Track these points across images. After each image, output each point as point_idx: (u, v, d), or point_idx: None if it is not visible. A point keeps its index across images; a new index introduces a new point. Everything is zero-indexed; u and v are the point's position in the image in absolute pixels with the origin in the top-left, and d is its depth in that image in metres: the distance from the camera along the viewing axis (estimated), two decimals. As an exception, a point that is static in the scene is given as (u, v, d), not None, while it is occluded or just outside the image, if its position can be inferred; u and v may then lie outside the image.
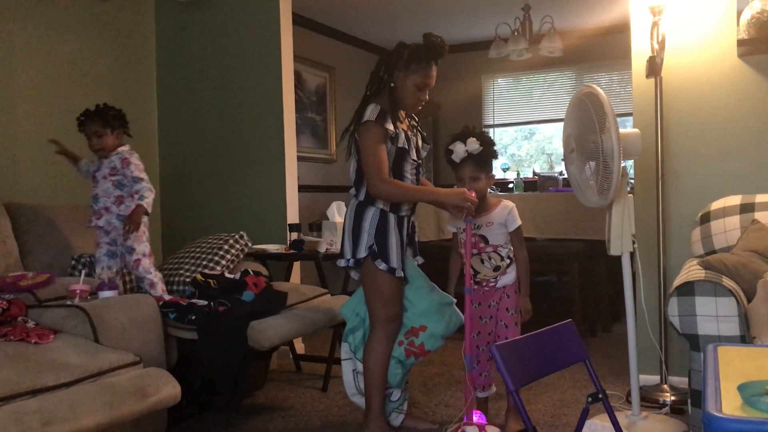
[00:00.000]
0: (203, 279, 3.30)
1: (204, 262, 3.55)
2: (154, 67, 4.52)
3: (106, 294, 2.88)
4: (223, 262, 3.60)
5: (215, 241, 3.72)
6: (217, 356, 2.91)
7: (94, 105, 3.31)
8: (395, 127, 2.69)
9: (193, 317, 2.96)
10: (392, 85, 2.70)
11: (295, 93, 4.41)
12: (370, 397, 2.77)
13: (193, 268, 3.50)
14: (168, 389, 2.34)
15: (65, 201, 3.85)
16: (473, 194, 2.67)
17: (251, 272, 3.44)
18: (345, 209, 5.44)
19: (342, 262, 2.78)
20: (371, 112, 2.63)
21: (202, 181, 4.43)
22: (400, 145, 2.70)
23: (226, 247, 3.67)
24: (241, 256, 3.75)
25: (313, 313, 3.34)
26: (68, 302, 2.73)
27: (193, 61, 4.45)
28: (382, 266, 2.68)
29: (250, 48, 4.26)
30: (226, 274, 3.42)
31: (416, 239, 2.91)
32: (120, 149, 3.30)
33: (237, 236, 3.76)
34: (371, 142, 2.63)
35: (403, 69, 2.67)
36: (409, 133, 2.79)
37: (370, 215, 2.70)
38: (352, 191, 2.78)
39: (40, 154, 3.76)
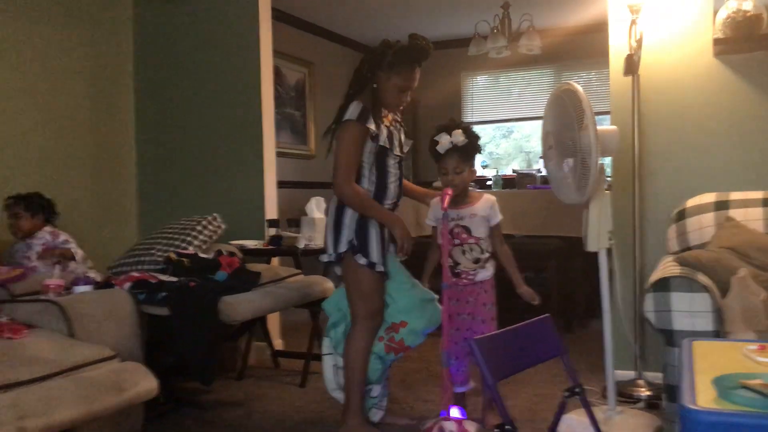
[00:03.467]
0: (177, 258, 3.29)
1: (176, 242, 3.52)
2: (131, 59, 4.46)
3: (81, 289, 2.85)
4: (196, 242, 3.58)
5: (188, 222, 3.70)
6: (189, 330, 2.90)
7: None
8: (377, 125, 2.68)
9: (164, 294, 2.94)
10: (374, 85, 2.69)
11: (275, 88, 4.38)
12: (349, 393, 2.77)
13: (165, 248, 3.47)
14: (145, 383, 2.31)
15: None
16: (449, 191, 2.68)
17: (224, 252, 3.43)
18: (324, 205, 5.42)
19: (325, 257, 2.79)
20: (353, 110, 2.63)
21: (179, 176, 4.39)
22: (381, 143, 2.70)
23: (198, 228, 3.65)
24: (214, 238, 3.72)
25: (285, 290, 3.36)
26: (42, 297, 2.70)
27: (172, 54, 4.40)
28: (362, 261, 2.68)
29: (229, 42, 4.22)
30: (200, 255, 3.41)
31: None
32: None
33: (210, 218, 3.75)
34: (347, 142, 2.64)
35: (386, 70, 2.66)
36: (392, 128, 2.78)
37: (351, 210, 2.70)
38: None
39: (13, 147, 3.70)
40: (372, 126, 2.65)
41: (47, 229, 3.44)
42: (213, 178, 4.29)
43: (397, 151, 2.79)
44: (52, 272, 2.96)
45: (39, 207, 3.43)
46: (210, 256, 3.42)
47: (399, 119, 2.88)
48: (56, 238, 3.42)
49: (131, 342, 2.73)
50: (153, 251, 3.47)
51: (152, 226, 4.24)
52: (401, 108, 2.81)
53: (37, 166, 3.82)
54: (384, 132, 2.72)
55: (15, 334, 2.38)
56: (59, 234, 3.45)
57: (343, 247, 2.70)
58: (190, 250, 3.49)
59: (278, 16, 5.42)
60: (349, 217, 2.70)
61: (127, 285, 3.00)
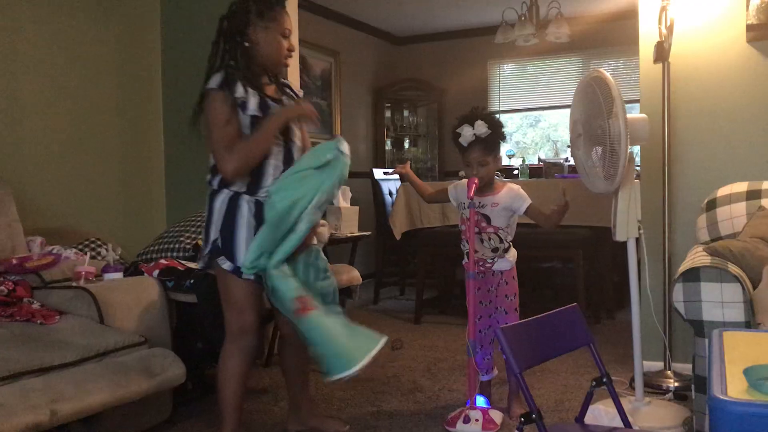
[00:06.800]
0: None
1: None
2: (159, 50, 4.50)
3: (111, 276, 2.90)
4: None
5: None
6: (216, 317, 2.92)
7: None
8: (246, 90, 2.28)
9: (192, 281, 2.98)
10: (246, 45, 2.33)
11: (300, 78, 4.39)
12: (223, 418, 2.41)
13: (193, 235, 3.51)
14: (174, 369, 2.36)
15: (68, 185, 3.87)
16: (475, 180, 2.66)
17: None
18: (350, 194, 5.40)
19: (200, 264, 2.43)
20: (214, 79, 2.28)
21: (205, 165, 4.41)
22: (251, 113, 2.28)
23: None
24: None
25: None
26: (74, 284, 2.75)
27: (198, 44, 4.39)
28: (226, 265, 2.30)
29: (256, 31, 4.23)
30: None
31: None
32: None
33: None
34: (213, 115, 2.26)
35: (259, 22, 2.33)
36: (277, 96, 2.41)
37: (219, 202, 2.34)
38: (208, 177, 2.42)
39: (44, 137, 3.76)
40: (240, 92, 2.26)
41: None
42: (240, 167, 4.31)
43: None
44: (84, 260, 3.01)
45: None
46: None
47: (290, 88, 2.50)
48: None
49: (160, 328, 2.77)
50: (181, 239, 3.51)
51: (179, 214, 4.28)
52: (289, 60, 2.43)
53: (66, 157, 3.87)
54: (254, 100, 2.29)
55: (47, 320, 2.43)
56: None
57: (206, 248, 2.33)
58: (219, 237, 3.52)
59: (304, 4, 5.43)
60: (217, 212, 2.34)
61: (156, 272, 3.04)
